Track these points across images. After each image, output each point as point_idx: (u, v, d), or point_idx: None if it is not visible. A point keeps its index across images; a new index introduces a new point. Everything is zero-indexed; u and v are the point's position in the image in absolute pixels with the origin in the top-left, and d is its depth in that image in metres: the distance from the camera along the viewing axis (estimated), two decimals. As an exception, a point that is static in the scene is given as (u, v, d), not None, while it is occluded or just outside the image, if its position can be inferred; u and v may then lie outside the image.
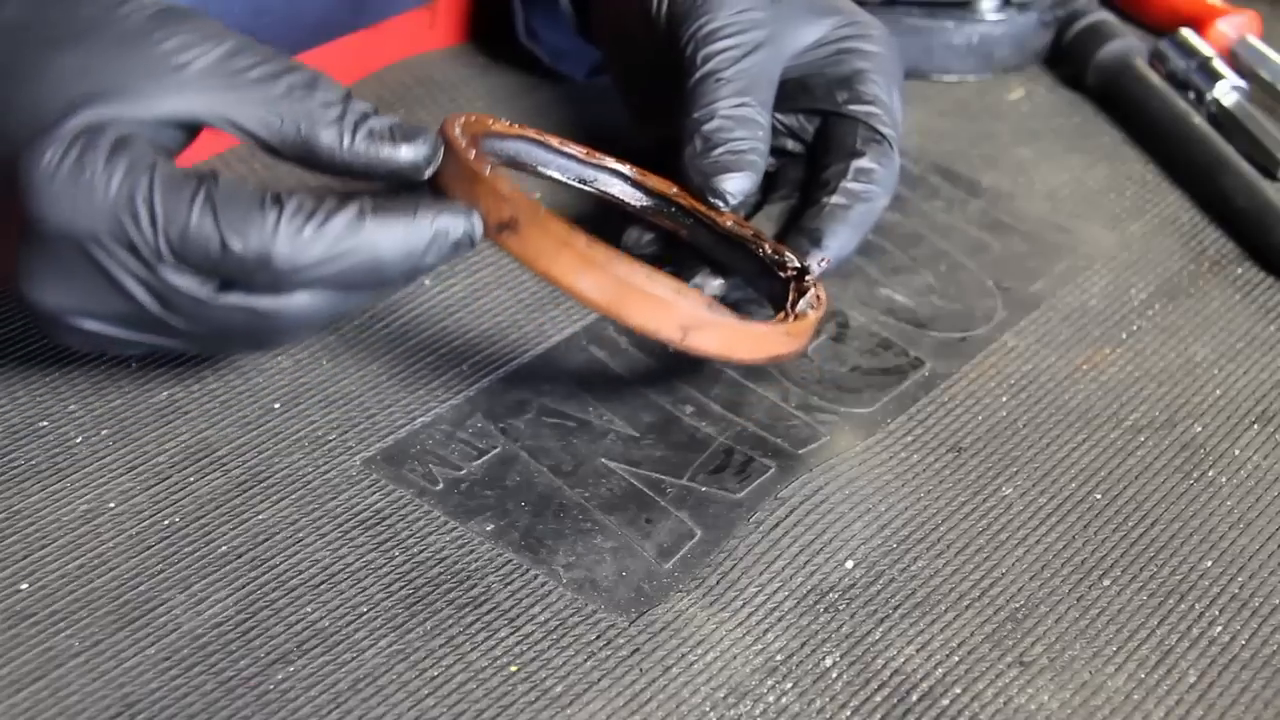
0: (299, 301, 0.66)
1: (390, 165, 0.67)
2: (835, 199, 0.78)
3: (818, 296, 0.74)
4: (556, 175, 0.77)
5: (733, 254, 0.77)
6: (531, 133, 0.76)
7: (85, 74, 0.65)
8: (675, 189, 0.78)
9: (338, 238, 0.64)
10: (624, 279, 0.67)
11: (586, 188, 0.78)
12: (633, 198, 0.78)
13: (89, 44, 0.65)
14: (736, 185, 0.76)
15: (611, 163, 0.78)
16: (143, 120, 0.65)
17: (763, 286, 0.77)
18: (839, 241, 0.77)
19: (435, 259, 0.66)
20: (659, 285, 0.68)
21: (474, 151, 0.68)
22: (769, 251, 0.76)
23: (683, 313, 0.68)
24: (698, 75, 0.78)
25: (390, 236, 0.65)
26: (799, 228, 0.78)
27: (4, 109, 0.65)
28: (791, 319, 0.72)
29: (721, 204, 0.76)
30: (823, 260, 0.77)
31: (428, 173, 0.68)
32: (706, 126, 0.77)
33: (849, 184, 0.78)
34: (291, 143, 0.66)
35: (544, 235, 0.67)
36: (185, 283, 0.65)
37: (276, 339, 0.68)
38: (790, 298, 0.73)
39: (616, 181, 0.78)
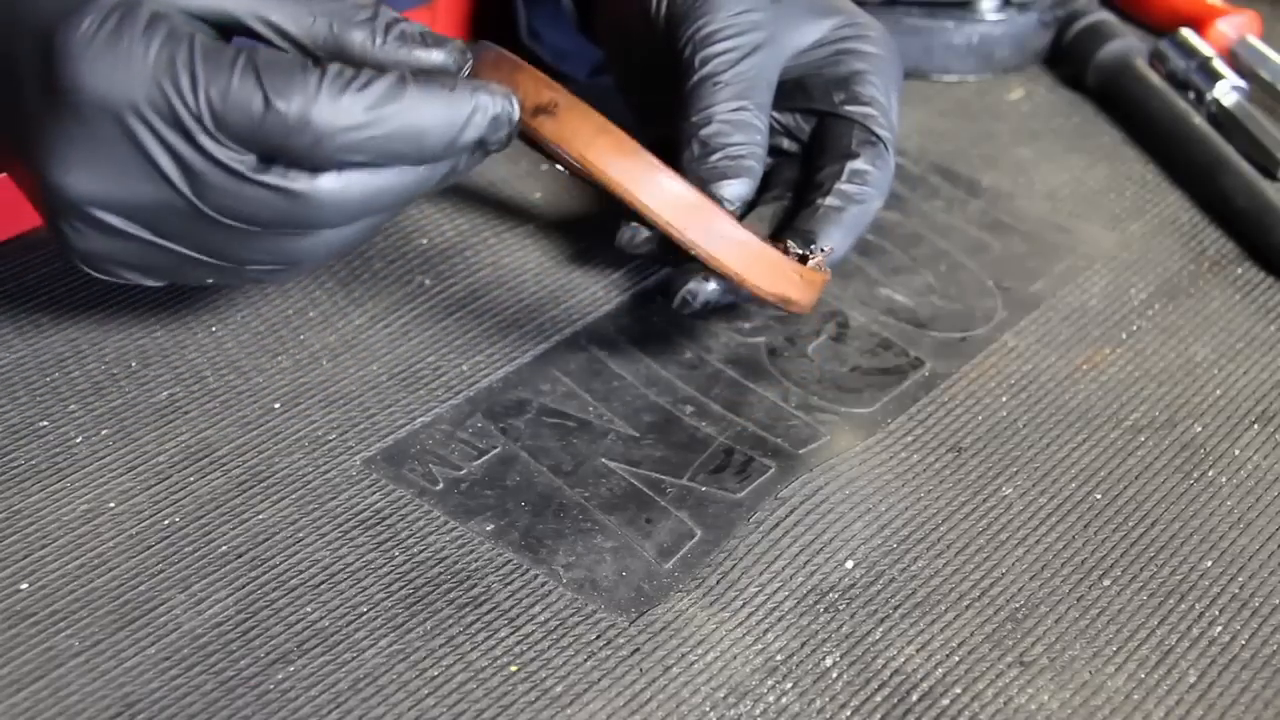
0: (332, 184, 0.65)
1: (421, 67, 0.67)
2: (829, 200, 0.77)
3: (819, 265, 0.74)
4: (561, 168, 0.77)
5: None
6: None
7: None
8: None
9: (378, 101, 0.63)
10: (656, 169, 0.68)
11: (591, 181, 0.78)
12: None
13: None
14: (734, 191, 0.76)
15: None
16: (177, 8, 0.64)
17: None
18: (832, 243, 0.77)
19: (474, 134, 0.65)
20: (688, 185, 0.69)
21: (505, 52, 0.69)
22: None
23: (709, 215, 0.69)
24: (696, 78, 0.78)
25: (431, 104, 0.64)
26: (792, 229, 0.77)
27: None
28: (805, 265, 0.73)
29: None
30: (824, 250, 0.76)
31: (461, 75, 0.67)
32: (704, 131, 0.76)
33: (843, 185, 0.78)
34: (324, 40, 0.66)
35: (583, 118, 0.68)
36: (223, 154, 0.64)
37: (310, 218, 0.66)
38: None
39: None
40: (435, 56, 0.67)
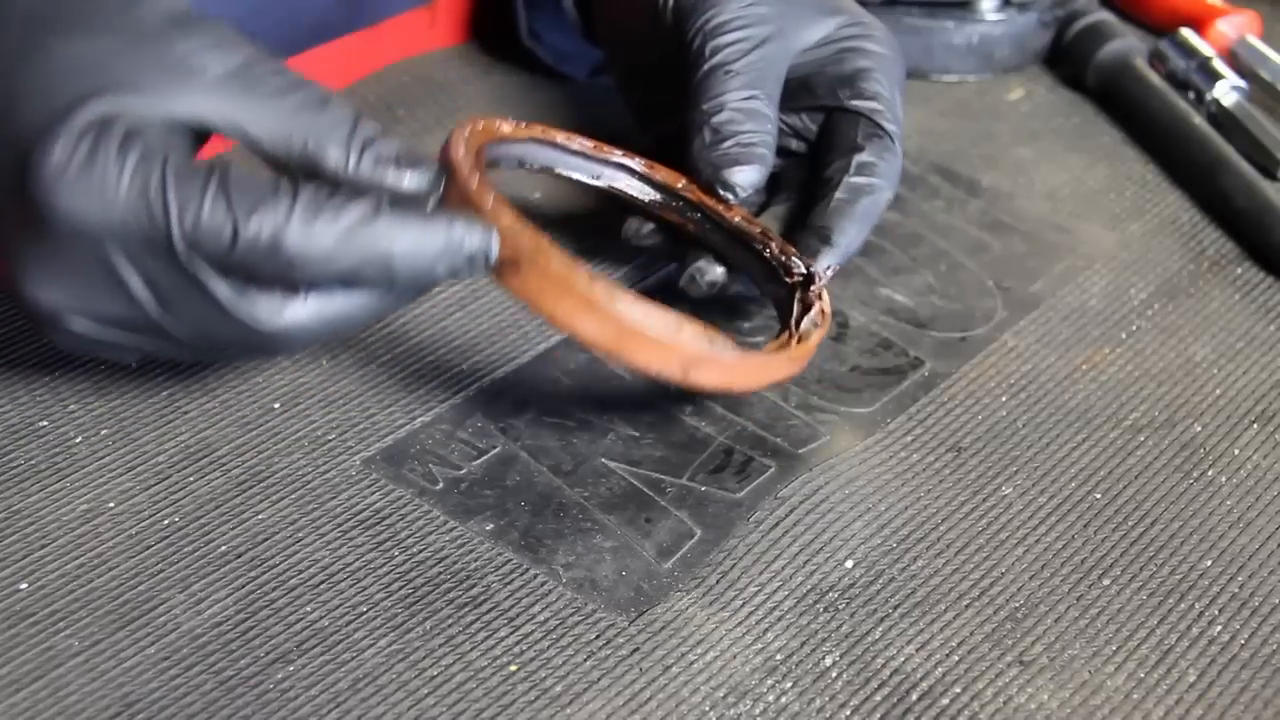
0: (298, 315, 0.65)
1: (393, 190, 0.66)
2: (839, 194, 0.78)
3: (822, 311, 0.73)
4: (565, 173, 0.77)
5: (739, 252, 0.77)
6: (538, 132, 0.76)
7: (99, 67, 0.64)
8: (683, 182, 0.78)
9: (350, 229, 0.63)
10: (624, 322, 0.66)
11: (596, 183, 0.78)
12: (641, 192, 0.78)
13: (105, 38, 0.65)
14: (746, 177, 0.76)
15: (620, 157, 0.78)
16: (154, 118, 0.64)
17: (767, 289, 0.77)
18: (847, 238, 0.77)
19: (445, 270, 0.64)
20: (659, 326, 0.67)
21: (477, 177, 0.67)
22: (775, 252, 0.76)
23: (684, 352, 0.68)
24: (706, 67, 0.78)
25: (404, 235, 0.63)
26: (806, 225, 0.78)
27: (17, 96, 0.64)
28: (794, 342, 0.72)
29: (731, 196, 0.76)
30: (829, 269, 0.76)
31: (431, 202, 0.67)
32: (716, 119, 0.77)
33: (852, 179, 0.78)
34: (299, 157, 0.65)
35: (543, 278, 0.66)
36: (194, 280, 0.63)
37: (273, 347, 0.67)
38: (794, 310, 0.73)
39: (624, 176, 0.78)
40: (408, 182, 0.66)
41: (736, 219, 0.77)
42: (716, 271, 0.77)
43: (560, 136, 0.77)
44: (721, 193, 0.76)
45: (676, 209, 0.78)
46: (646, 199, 0.78)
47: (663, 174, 0.78)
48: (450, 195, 0.67)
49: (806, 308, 0.73)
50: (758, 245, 0.76)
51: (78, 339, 0.66)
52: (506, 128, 0.75)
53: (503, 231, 0.65)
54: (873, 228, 0.79)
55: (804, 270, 0.75)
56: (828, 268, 0.76)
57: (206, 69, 0.65)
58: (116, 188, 0.62)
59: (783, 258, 0.76)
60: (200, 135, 0.66)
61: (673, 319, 0.67)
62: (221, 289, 0.64)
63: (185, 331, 0.65)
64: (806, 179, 0.81)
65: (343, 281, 0.64)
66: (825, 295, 0.74)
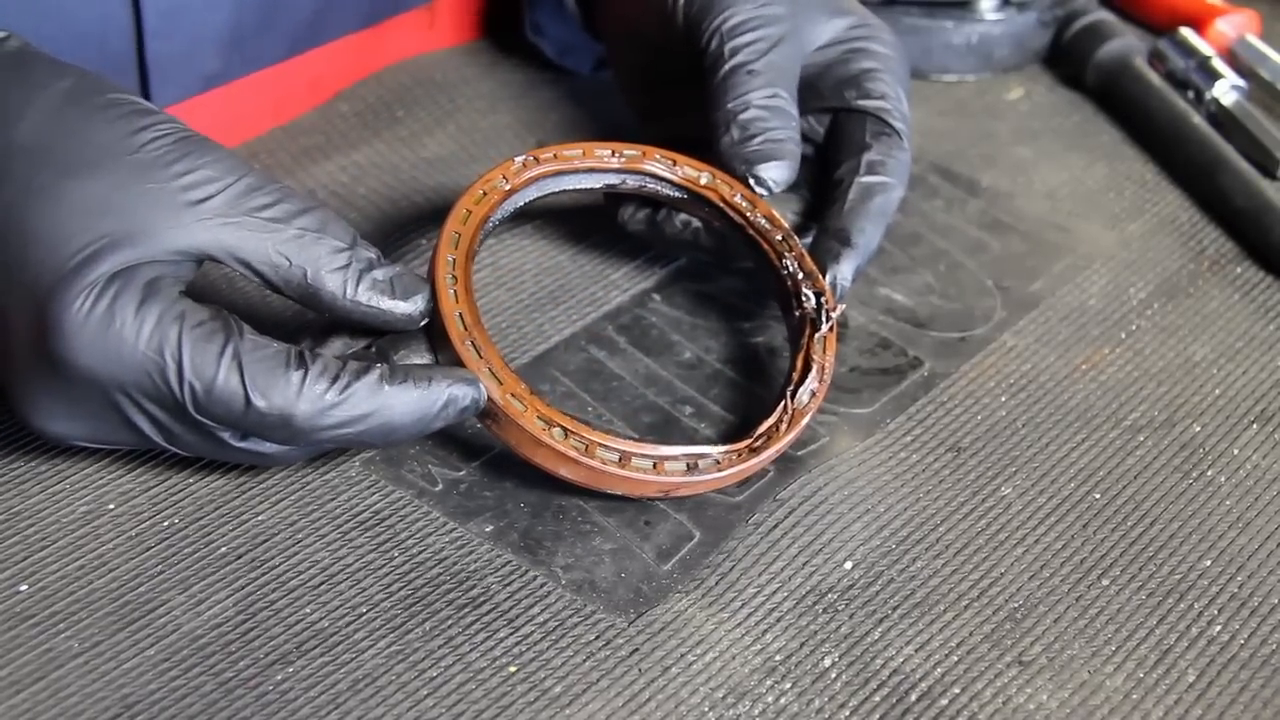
0: (299, 451, 0.68)
1: (387, 317, 0.68)
2: (852, 194, 0.78)
3: (823, 368, 0.73)
4: (583, 187, 0.77)
5: (756, 258, 0.77)
6: (546, 167, 0.76)
7: (108, 207, 0.65)
8: (706, 176, 0.78)
9: (357, 403, 0.65)
10: (600, 468, 0.68)
11: (617, 189, 0.78)
12: (663, 193, 0.78)
13: (109, 175, 0.66)
14: (779, 173, 0.77)
15: (642, 162, 0.78)
16: (163, 254, 0.65)
17: (776, 299, 0.77)
18: (865, 237, 0.77)
19: (443, 423, 0.67)
20: (635, 466, 0.68)
21: (458, 324, 0.69)
22: (793, 269, 0.76)
23: (663, 484, 0.69)
24: (727, 67, 0.78)
25: (406, 402, 0.66)
26: (824, 229, 0.78)
27: (29, 238, 0.65)
28: (782, 430, 0.71)
29: (764, 191, 0.77)
30: (850, 277, 0.76)
31: (421, 323, 0.69)
32: (743, 116, 0.77)
33: (863, 178, 0.78)
34: (296, 285, 0.67)
35: (520, 432, 0.68)
36: (200, 432, 0.66)
37: (271, 464, 0.70)
38: (796, 364, 0.73)
39: (647, 180, 0.78)
40: (401, 309, 0.68)
41: (761, 219, 0.77)
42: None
43: (577, 158, 0.76)
44: (756, 188, 0.77)
45: (700, 209, 0.78)
46: (670, 196, 0.78)
47: (688, 169, 0.78)
48: (439, 344, 0.69)
49: (808, 367, 0.73)
50: (774, 259, 0.76)
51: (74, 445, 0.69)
52: (514, 175, 0.74)
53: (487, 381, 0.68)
54: (887, 225, 0.78)
55: (814, 304, 0.75)
56: (849, 276, 0.76)
57: (207, 200, 0.66)
58: (135, 345, 0.64)
59: (799, 275, 0.75)
60: (201, 260, 0.67)
61: (649, 459, 0.69)
62: (228, 437, 0.66)
63: (192, 451, 0.68)
64: (815, 180, 0.81)
65: (347, 444, 0.67)
66: (830, 344, 0.74)
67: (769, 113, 0.78)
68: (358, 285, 0.67)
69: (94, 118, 0.67)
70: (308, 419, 0.65)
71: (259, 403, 0.64)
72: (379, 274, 0.68)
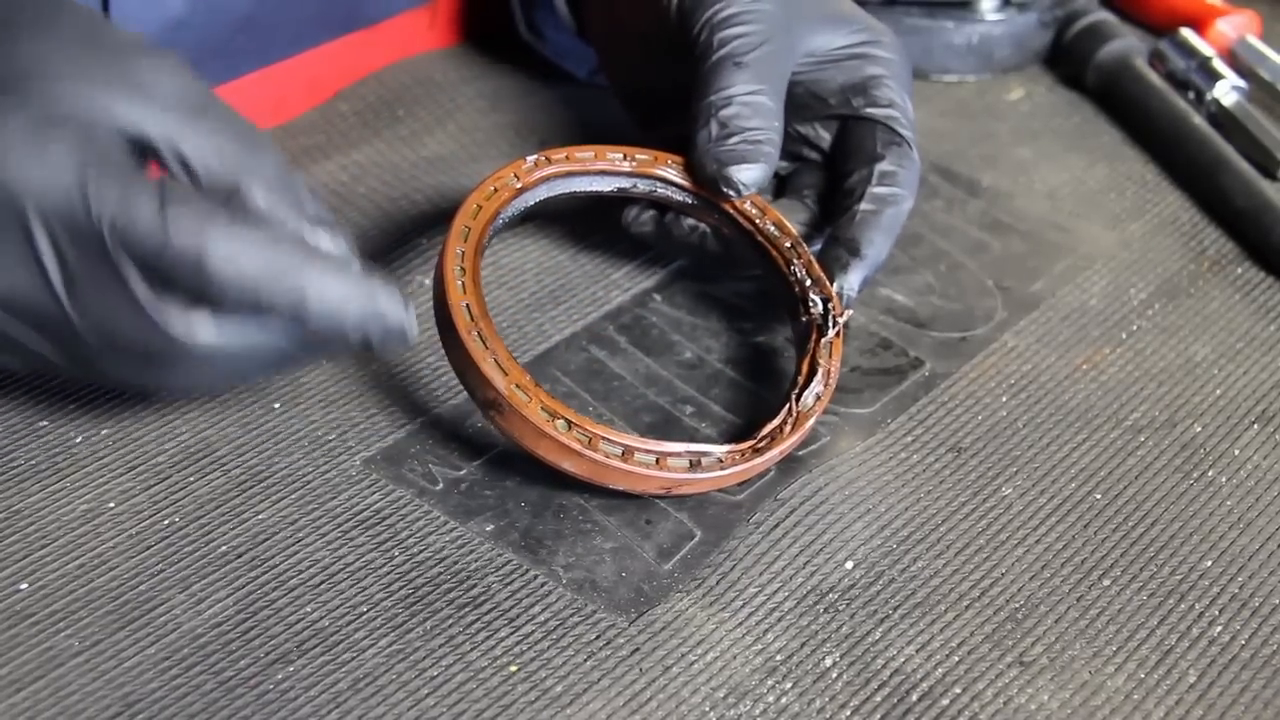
0: (207, 337, 0.64)
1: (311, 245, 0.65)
2: (864, 205, 0.77)
3: (829, 372, 0.73)
4: (594, 189, 0.77)
5: (764, 264, 0.77)
6: (558, 168, 0.76)
7: (63, 62, 0.64)
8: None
9: (277, 257, 0.62)
10: (603, 461, 0.68)
11: (627, 193, 0.78)
12: (674, 198, 0.78)
13: (71, 45, 0.65)
14: (751, 176, 0.76)
15: (654, 166, 0.78)
16: (105, 120, 0.64)
17: (784, 304, 0.76)
18: (875, 249, 0.77)
19: (357, 328, 0.64)
20: (638, 461, 0.68)
21: (466, 314, 0.68)
22: (801, 275, 0.76)
23: (664, 479, 0.69)
24: (715, 58, 0.78)
25: (327, 281, 0.63)
26: (833, 238, 0.78)
27: None
28: (786, 432, 0.71)
29: (734, 194, 0.76)
30: (857, 287, 0.76)
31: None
32: (724, 112, 0.76)
33: (875, 189, 0.78)
34: (226, 192, 0.65)
35: (524, 423, 0.68)
36: (111, 271, 0.62)
37: (171, 359, 0.65)
38: (803, 368, 0.73)
39: (658, 185, 0.78)
40: (326, 242, 0.65)
41: (770, 226, 0.77)
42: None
43: (588, 160, 0.77)
44: (724, 190, 0.76)
45: (710, 214, 0.78)
46: (680, 201, 0.78)
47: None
48: (443, 331, 0.69)
49: (813, 370, 0.73)
50: (785, 262, 0.76)
51: None
52: (525, 174, 0.75)
53: (487, 376, 0.68)
54: (897, 236, 0.78)
55: (822, 311, 0.75)
56: (856, 286, 0.76)
57: (159, 90, 0.65)
58: (57, 160, 0.62)
59: (807, 281, 0.75)
60: (140, 154, 0.65)
61: (652, 454, 0.69)
62: (139, 285, 0.63)
63: (87, 324, 0.64)
64: (821, 185, 0.81)
65: (255, 309, 0.63)
66: (836, 350, 0.74)
67: (750, 110, 0.76)
68: (287, 206, 0.65)
69: (60, 9, 0.66)
70: (223, 261, 0.61)
71: (178, 231, 0.61)
72: (309, 204, 0.66)
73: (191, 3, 0.83)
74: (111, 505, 0.69)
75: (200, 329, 0.63)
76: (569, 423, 0.68)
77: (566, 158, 0.76)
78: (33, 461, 0.71)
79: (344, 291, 0.63)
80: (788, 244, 0.76)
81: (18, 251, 0.63)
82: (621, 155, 0.77)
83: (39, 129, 0.62)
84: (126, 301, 0.63)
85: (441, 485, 0.72)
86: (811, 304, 0.75)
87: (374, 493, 0.71)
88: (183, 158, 0.65)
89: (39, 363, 0.66)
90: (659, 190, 0.78)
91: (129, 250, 0.62)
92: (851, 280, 0.76)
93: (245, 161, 0.65)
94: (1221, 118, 0.97)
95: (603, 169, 0.77)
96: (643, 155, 0.78)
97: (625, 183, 0.78)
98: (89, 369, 0.66)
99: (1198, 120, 0.96)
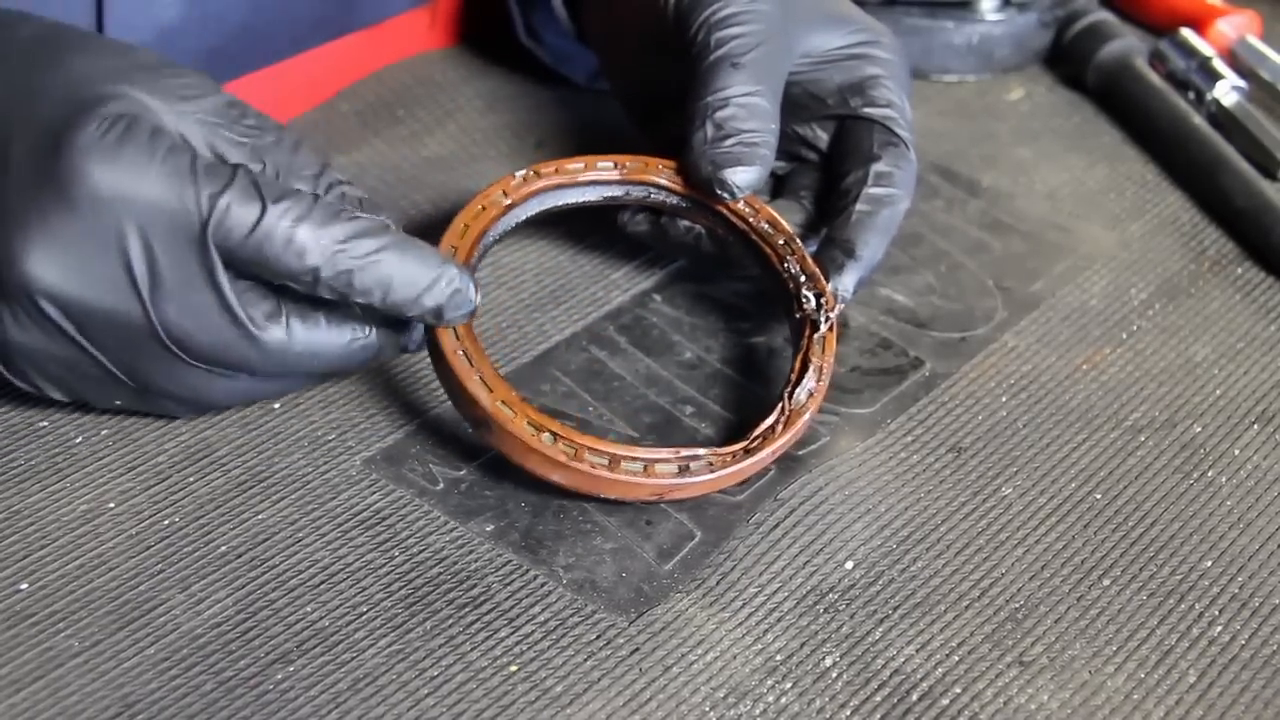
0: (278, 335, 0.68)
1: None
2: (859, 206, 0.77)
3: (820, 369, 0.73)
4: (584, 200, 0.77)
5: (761, 264, 0.77)
6: (547, 181, 0.76)
7: (118, 75, 0.67)
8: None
9: (360, 235, 0.66)
10: (591, 473, 0.68)
11: (619, 202, 0.78)
12: (667, 204, 0.78)
13: (114, 60, 0.68)
14: (746, 179, 0.76)
15: (646, 172, 0.77)
16: (173, 126, 0.67)
17: (779, 301, 0.76)
18: (870, 250, 0.77)
19: (434, 301, 0.68)
20: (625, 469, 0.69)
21: (451, 336, 0.70)
22: (795, 271, 0.75)
23: (654, 486, 0.69)
24: (712, 58, 0.77)
25: (406, 254, 0.67)
26: (829, 238, 0.77)
27: (37, 93, 0.66)
28: (779, 431, 0.71)
29: (728, 196, 0.76)
30: (852, 288, 0.76)
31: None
32: (720, 113, 0.76)
33: (871, 189, 0.78)
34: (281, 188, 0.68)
35: (511, 439, 0.68)
36: (200, 265, 0.65)
37: (224, 386, 0.69)
38: (795, 365, 0.73)
39: (651, 191, 0.78)
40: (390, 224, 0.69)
41: (764, 224, 0.77)
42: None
43: (579, 172, 0.77)
44: (719, 192, 0.76)
45: (704, 215, 0.78)
46: (673, 204, 0.78)
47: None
48: (433, 353, 0.71)
49: (805, 366, 0.73)
50: (779, 259, 0.76)
51: (35, 336, 0.66)
52: (515, 188, 0.75)
53: (472, 394, 0.69)
54: (893, 237, 0.78)
55: (814, 305, 0.75)
56: (851, 287, 0.76)
57: (196, 100, 0.68)
58: (149, 164, 0.65)
59: (801, 278, 0.75)
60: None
61: (639, 461, 0.69)
62: (225, 281, 0.66)
63: (166, 325, 0.66)
64: (818, 185, 0.81)
65: (340, 294, 0.67)
66: (829, 345, 0.74)
67: (747, 111, 0.76)
68: (328, 194, 0.70)
69: (86, 35, 0.70)
70: (314, 240, 0.65)
71: (272, 214, 0.65)
72: (348, 190, 0.70)
73: (185, 11, 0.84)
74: (111, 505, 0.69)
75: (275, 326, 0.67)
76: (554, 435, 0.68)
77: (556, 170, 0.76)
78: (33, 461, 0.71)
79: (421, 263, 0.68)
80: (781, 241, 0.76)
81: (107, 258, 0.65)
82: (612, 164, 0.77)
83: (124, 135, 0.65)
84: (212, 298, 0.66)
85: (441, 485, 0.72)
86: (805, 299, 0.75)
87: (374, 493, 0.71)
88: (221, 158, 0.68)
89: (83, 387, 0.69)
90: (652, 196, 0.78)
91: (223, 238, 0.65)
92: (846, 281, 0.76)
93: (284, 160, 0.69)
94: (1221, 118, 0.97)
95: (593, 179, 0.77)
96: (633, 162, 0.77)
97: (617, 191, 0.78)
98: (147, 380, 0.69)
99: (1198, 120, 0.96)
